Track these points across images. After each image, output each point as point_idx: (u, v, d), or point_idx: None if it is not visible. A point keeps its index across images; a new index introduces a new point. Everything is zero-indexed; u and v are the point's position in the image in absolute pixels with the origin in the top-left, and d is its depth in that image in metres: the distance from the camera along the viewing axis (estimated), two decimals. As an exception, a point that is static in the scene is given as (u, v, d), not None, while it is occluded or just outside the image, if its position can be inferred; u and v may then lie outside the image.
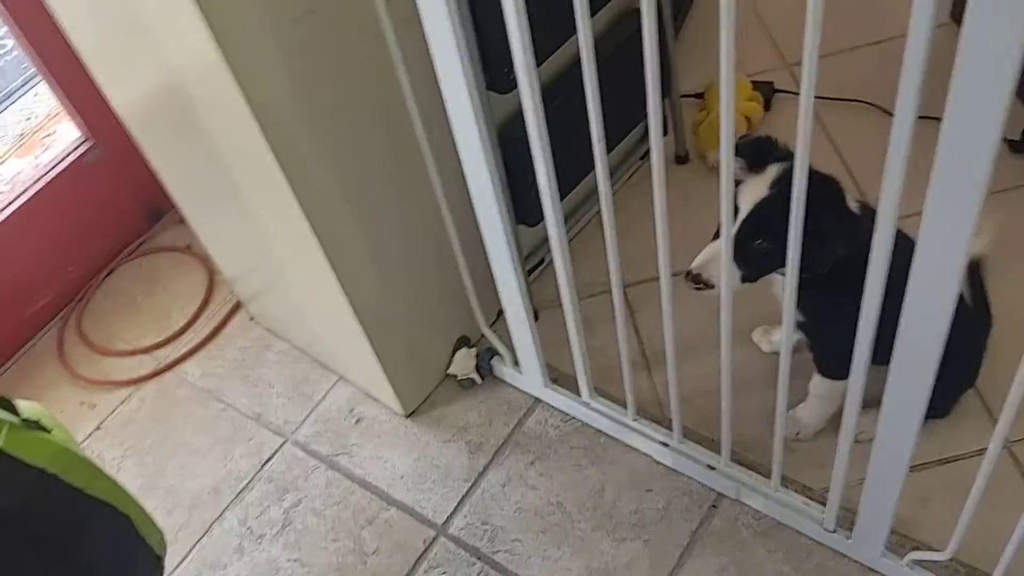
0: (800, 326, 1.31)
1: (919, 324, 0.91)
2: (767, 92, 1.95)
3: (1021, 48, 0.66)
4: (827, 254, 1.14)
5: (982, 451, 1.38)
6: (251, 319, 1.88)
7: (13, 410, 0.85)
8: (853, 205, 1.18)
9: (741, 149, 1.19)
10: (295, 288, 1.58)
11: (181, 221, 1.77)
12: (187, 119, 1.29)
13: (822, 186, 1.16)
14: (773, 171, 1.17)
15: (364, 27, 1.17)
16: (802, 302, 1.26)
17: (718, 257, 1.12)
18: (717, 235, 1.17)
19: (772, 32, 2.18)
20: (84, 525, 0.85)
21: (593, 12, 1.51)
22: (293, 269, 1.51)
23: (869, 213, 1.19)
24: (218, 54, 1.07)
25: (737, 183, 1.20)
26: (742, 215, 1.17)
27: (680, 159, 1.91)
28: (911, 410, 1.02)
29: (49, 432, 0.86)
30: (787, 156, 1.19)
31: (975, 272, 1.50)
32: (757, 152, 1.20)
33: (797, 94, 1.98)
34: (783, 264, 1.03)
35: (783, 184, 1.09)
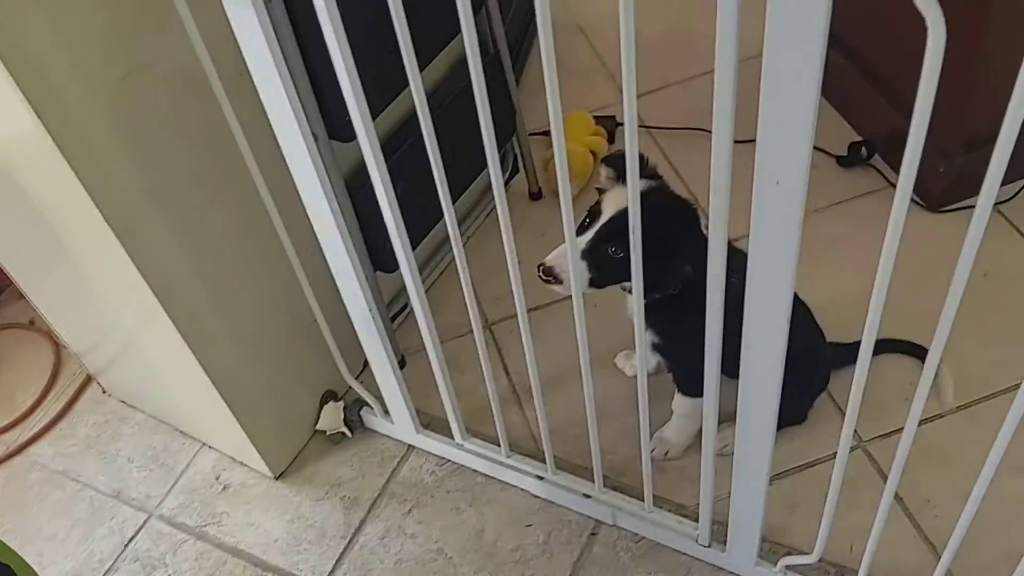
0: (655, 347, 1.35)
1: (759, 336, 0.95)
2: (610, 126, 2.02)
3: (817, 71, 0.70)
4: (676, 272, 1.19)
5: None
6: (104, 392, 1.79)
7: None
8: (706, 229, 1.23)
9: (613, 161, 1.26)
10: (147, 357, 1.51)
11: (21, 296, 1.67)
12: (16, 192, 1.23)
13: (678, 208, 1.22)
14: (641, 184, 1.20)
15: (192, 84, 1.14)
16: (654, 322, 1.30)
17: (576, 251, 1.14)
18: (578, 233, 1.21)
19: (611, 68, 2.26)
20: None
21: (432, 56, 1.55)
22: (143, 338, 1.44)
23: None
24: (37, 124, 1.02)
25: (601, 191, 1.25)
26: (603, 219, 1.21)
27: (533, 196, 1.94)
28: (764, 420, 1.05)
29: None
30: (654, 175, 1.25)
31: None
32: (623, 167, 1.24)
33: (641, 126, 2.07)
34: (626, 279, 1.06)
35: (648, 197, 1.13)
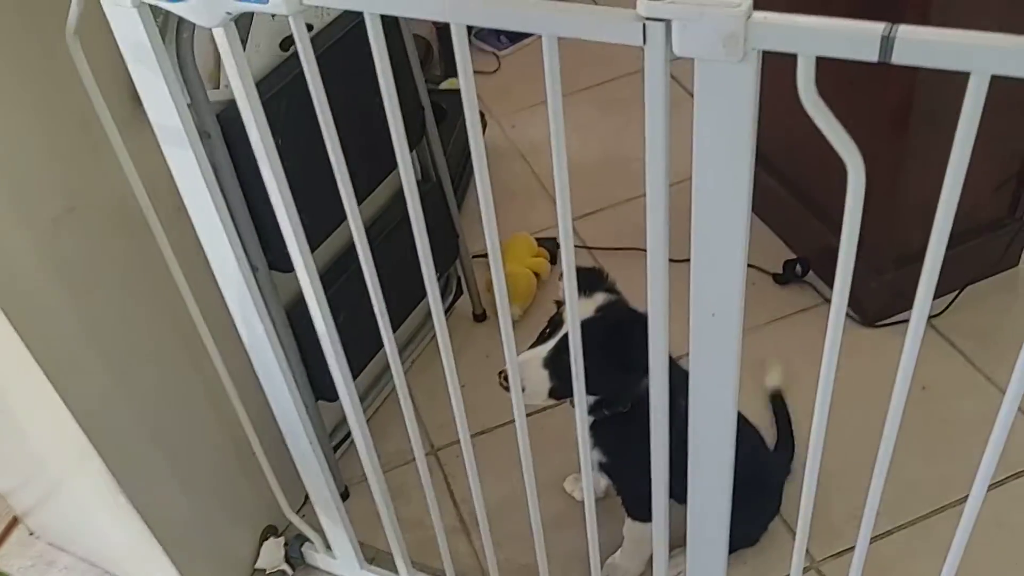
0: (603, 467, 1.34)
1: (705, 460, 0.94)
2: (552, 247, 2.05)
3: (746, 191, 0.72)
4: (633, 386, 1.19)
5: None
6: (31, 534, 1.70)
7: None
8: None
9: (579, 271, 1.25)
10: (76, 496, 1.44)
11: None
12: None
13: (635, 321, 1.22)
14: (600, 298, 1.25)
15: (129, 220, 1.13)
16: (602, 442, 1.29)
17: (529, 362, 1.19)
18: (537, 341, 1.23)
19: (552, 192, 2.30)
20: None
21: (374, 186, 1.57)
22: (72, 477, 1.38)
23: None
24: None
25: (560, 304, 1.26)
26: (564, 330, 1.21)
27: (477, 317, 1.94)
28: (715, 546, 1.04)
29: None
30: (612, 290, 1.29)
31: (778, 404, 1.60)
32: (588, 280, 1.27)
33: (581, 247, 2.11)
34: (593, 390, 1.06)
35: (607, 311, 1.17)
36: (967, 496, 1.51)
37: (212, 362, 1.25)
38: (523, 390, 1.18)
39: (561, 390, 1.23)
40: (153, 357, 1.28)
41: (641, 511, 1.38)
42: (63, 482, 1.44)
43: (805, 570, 1.45)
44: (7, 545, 1.70)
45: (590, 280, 1.28)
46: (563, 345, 1.21)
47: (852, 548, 1.45)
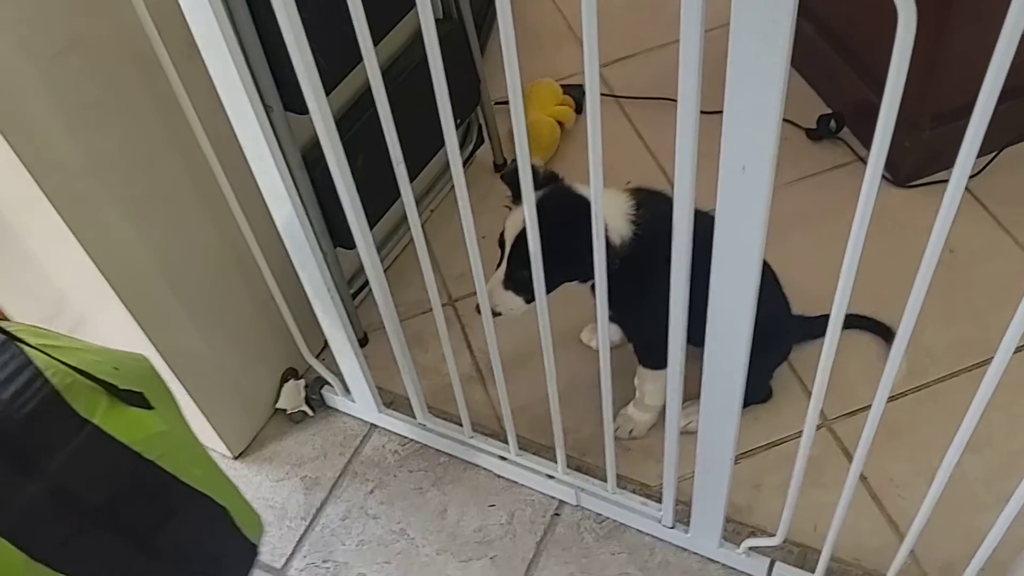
0: (613, 320, 1.32)
1: (726, 308, 0.92)
2: (577, 95, 1.97)
3: (786, 51, 0.67)
4: (582, 270, 1.20)
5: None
6: (58, 370, 1.74)
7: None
8: (619, 230, 1.21)
9: (507, 178, 1.24)
10: (99, 335, 1.46)
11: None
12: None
13: (577, 208, 1.18)
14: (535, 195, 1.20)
15: (138, 56, 1.09)
16: (612, 294, 1.28)
17: (494, 290, 1.23)
18: (499, 264, 1.24)
19: (580, 35, 2.20)
20: (176, 517, 0.78)
21: (392, 25, 1.50)
22: (93, 317, 1.40)
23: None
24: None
25: (509, 208, 1.25)
26: (507, 248, 1.22)
27: (498, 167, 1.90)
28: (729, 398, 1.03)
29: (152, 409, 0.78)
30: (547, 181, 1.24)
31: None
32: (516, 184, 1.21)
33: (609, 95, 2.04)
34: (562, 280, 1.10)
35: (544, 204, 1.11)
36: (984, 361, 1.51)
37: (229, 206, 1.23)
38: (499, 315, 1.23)
39: (534, 297, 1.20)
40: (168, 200, 1.26)
41: (653, 359, 1.38)
42: (85, 321, 1.46)
43: (817, 428, 1.46)
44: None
45: (516, 181, 1.24)
46: (511, 265, 1.22)
47: (864, 408, 1.46)
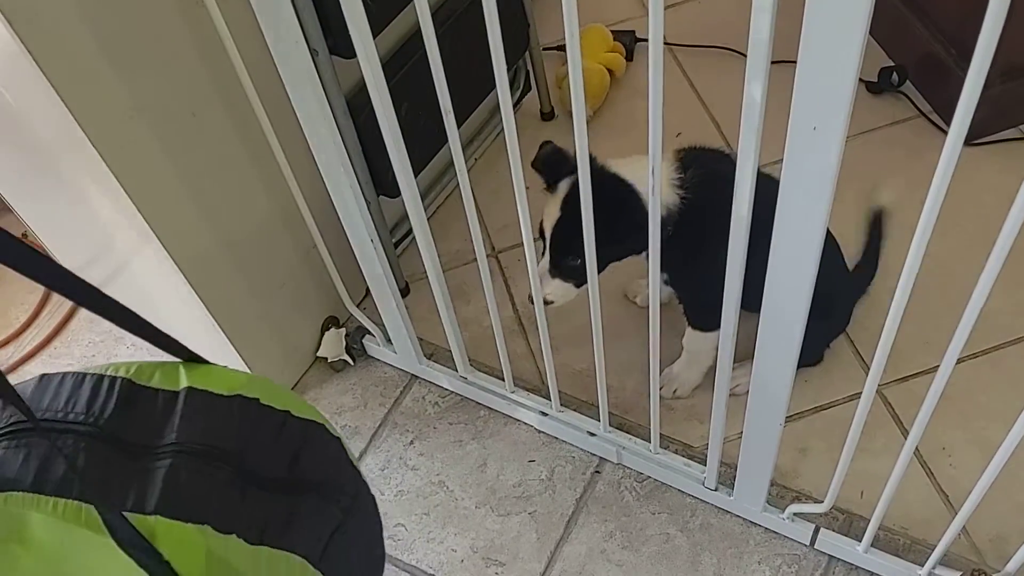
0: (665, 281, 1.29)
1: (786, 274, 0.88)
2: (628, 42, 1.91)
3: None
4: (628, 250, 1.21)
5: (854, 396, 1.40)
6: (101, 311, 1.75)
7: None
8: (667, 202, 1.18)
9: (538, 165, 1.23)
10: (140, 281, 1.46)
11: (8, 209, 1.61)
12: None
13: (615, 190, 1.16)
14: (564, 188, 1.19)
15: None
16: (665, 254, 1.24)
17: (544, 277, 1.21)
18: (542, 253, 1.23)
19: (632, -21, 2.14)
20: (301, 450, 0.74)
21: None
22: (135, 261, 1.39)
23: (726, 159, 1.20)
24: (12, 36, 0.94)
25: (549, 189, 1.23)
26: (548, 237, 1.20)
27: (545, 116, 1.85)
28: (783, 362, 1.00)
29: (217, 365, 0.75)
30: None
31: (877, 223, 1.52)
32: (550, 169, 1.22)
33: (664, 44, 1.97)
34: (610, 262, 1.10)
35: (573, 200, 1.10)
36: (1049, 328, 1.45)
37: (273, 153, 1.21)
38: (551, 303, 1.22)
39: (583, 281, 1.19)
40: (212, 147, 1.24)
41: (703, 320, 1.35)
42: (127, 265, 1.45)
43: (867, 392, 1.42)
44: (76, 320, 1.75)
45: (552, 168, 1.22)
46: (554, 255, 1.20)
47: (918, 374, 1.42)
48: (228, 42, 1.06)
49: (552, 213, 1.20)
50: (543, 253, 1.23)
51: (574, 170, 1.19)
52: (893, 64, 1.77)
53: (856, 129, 1.73)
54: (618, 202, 1.13)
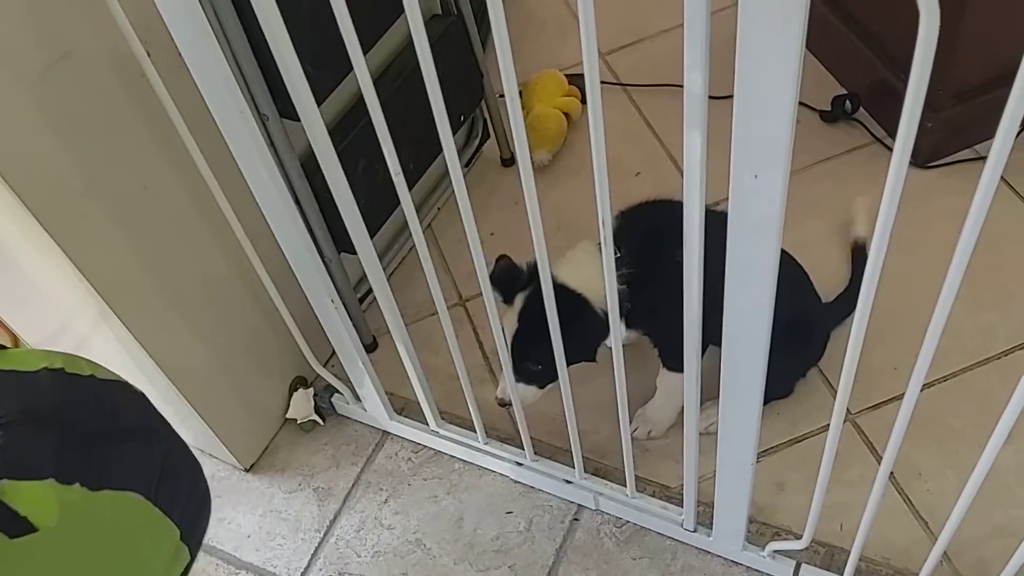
0: (639, 334, 1.30)
1: (742, 317, 0.88)
2: (584, 85, 1.92)
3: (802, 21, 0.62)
4: (585, 353, 1.27)
5: (827, 427, 1.40)
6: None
7: None
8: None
9: (494, 282, 1.27)
10: (100, 352, 1.44)
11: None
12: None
13: (567, 303, 1.17)
14: (519, 302, 1.25)
15: (124, 70, 1.06)
16: (634, 296, 1.25)
17: (508, 386, 1.25)
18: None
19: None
20: (116, 404, 0.81)
21: (391, 21, 1.45)
22: (95, 335, 1.37)
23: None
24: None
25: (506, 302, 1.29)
26: (509, 347, 1.25)
27: (505, 162, 1.86)
28: (748, 402, 0.99)
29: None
30: (532, 276, 1.25)
31: (859, 255, 1.54)
32: (504, 284, 1.28)
33: (615, 84, 1.99)
34: (572, 363, 1.14)
35: (528, 313, 1.24)
36: (1014, 347, 1.46)
37: (226, 218, 1.20)
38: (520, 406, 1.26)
39: (547, 381, 1.28)
40: (165, 216, 1.23)
41: (678, 361, 1.34)
42: (88, 340, 1.43)
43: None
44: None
45: (506, 283, 1.28)
46: (516, 357, 1.23)
47: (889, 400, 1.42)
48: (173, 112, 1.06)
49: (510, 325, 1.25)
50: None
51: (527, 285, 1.26)
52: (846, 92, 1.80)
53: (812, 158, 1.75)
54: (571, 313, 1.15)
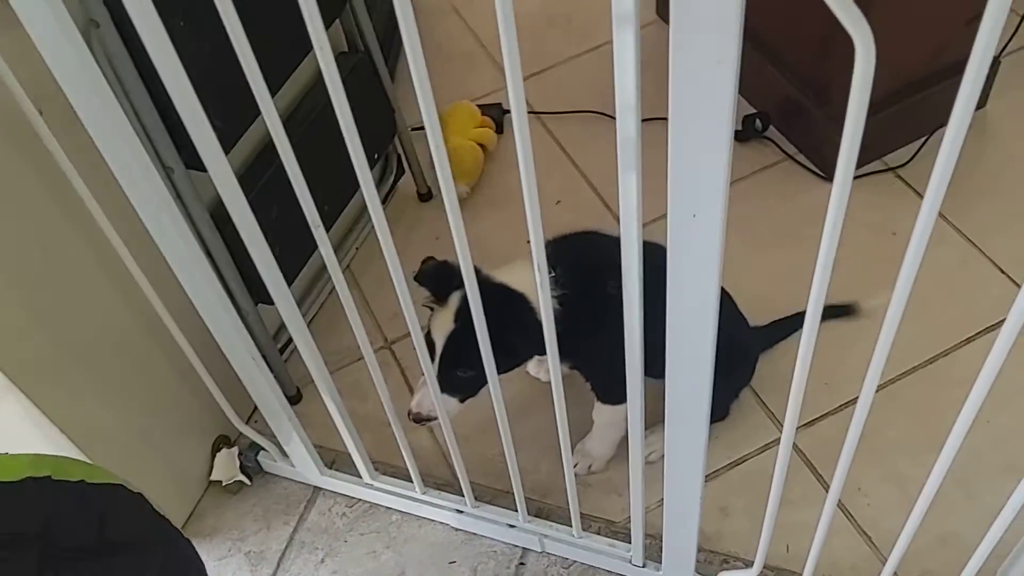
0: (569, 367, 1.28)
1: (685, 351, 0.86)
2: (496, 115, 1.90)
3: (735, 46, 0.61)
4: (520, 359, 1.20)
5: (765, 447, 1.40)
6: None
7: None
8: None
9: (422, 279, 1.21)
10: (8, 425, 1.34)
11: None
12: None
13: (507, 302, 1.16)
14: (455, 301, 1.17)
15: (13, 130, 0.98)
16: (564, 335, 1.22)
17: (427, 395, 1.15)
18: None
19: (492, 51, 2.14)
20: (105, 514, 0.76)
21: (298, 61, 1.40)
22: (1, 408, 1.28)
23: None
24: None
25: (430, 308, 1.21)
26: (439, 350, 1.18)
27: (423, 196, 1.82)
28: (695, 430, 0.97)
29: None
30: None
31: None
32: (437, 282, 1.20)
33: (528, 112, 1.97)
34: (502, 372, 1.04)
35: (466, 313, 1.09)
36: (937, 355, 1.48)
37: (133, 275, 1.13)
38: (435, 419, 1.17)
39: (468, 395, 1.21)
40: (67, 278, 1.15)
41: (610, 395, 1.33)
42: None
43: (776, 441, 1.42)
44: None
45: (439, 280, 1.20)
46: (444, 367, 1.17)
47: (823, 416, 1.43)
48: (69, 170, 0.99)
49: (444, 325, 1.17)
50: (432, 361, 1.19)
51: (461, 282, 1.18)
52: (756, 111, 1.82)
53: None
54: (510, 312, 1.11)
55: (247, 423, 1.41)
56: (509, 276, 1.18)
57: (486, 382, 1.17)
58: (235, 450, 1.47)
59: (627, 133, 0.66)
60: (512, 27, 0.65)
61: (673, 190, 0.68)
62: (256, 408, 1.43)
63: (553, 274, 1.19)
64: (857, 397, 1.41)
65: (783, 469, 0.99)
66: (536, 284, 1.16)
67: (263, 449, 1.44)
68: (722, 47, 0.58)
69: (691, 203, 0.68)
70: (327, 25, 1.56)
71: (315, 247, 1.53)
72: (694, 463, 1.02)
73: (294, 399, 1.54)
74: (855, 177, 1.78)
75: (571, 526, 1.27)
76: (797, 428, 1.40)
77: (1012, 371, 1.36)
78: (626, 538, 1.26)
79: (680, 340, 0.85)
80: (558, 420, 1.06)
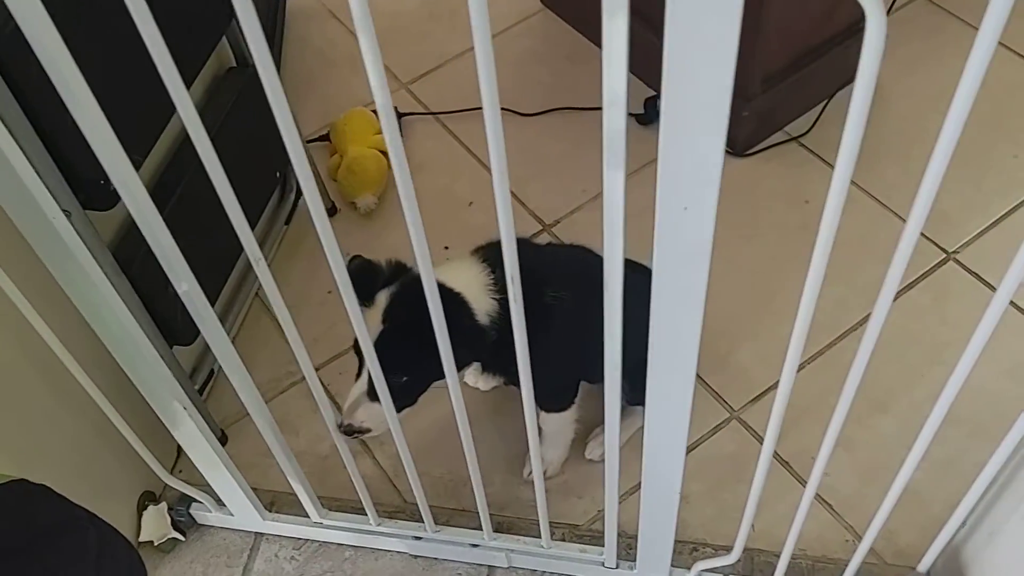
0: (504, 382, 1.25)
1: (669, 347, 0.83)
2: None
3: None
4: (459, 363, 1.07)
5: (715, 429, 1.40)
6: None
7: None
8: (486, 309, 1.12)
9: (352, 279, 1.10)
10: None
11: None
12: None
13: (446, 299, 1.08)
14: (382, 301, 1.10)
15: None
16: (497, 366, 1.19)
17: (361, 399, 1.08)
18: (359, 374, 1.10)
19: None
20: (25, 508, 0.77)
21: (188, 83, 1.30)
22: None
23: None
24: None
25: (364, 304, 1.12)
26: (367, 356, 1.06)
27: (329, 211, 1.74)
28: (676, 426, 0.94)
29: None
30: (395, 274, 1.13)
31: None
32: (362, 284, 1.10)
33: (424, 113, 1.91)
34: (436, 379, 0.98)
35: (395, 310, 1.07)
36: (863, 319, 1.51)
37: (33, 326, 1.01)
38: (369, 431, 1.09)
39: (407, 402, 1.12)
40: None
41: (553, 404, 1.29)
42: None
43: (726, 421, 1.41)
44: None
45: (363, 283, 1.11)
46: (380, 358, 1.05)
47: (766, 391, 1.43)
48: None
49: (373, 327, 1.08)
50: (358, 375, 1.11)
51: (389, 281, 1.11)
52: (656, 93, 1.81)
53: (638, 162, 1.72)
54: (450, 312, 1.05)
55: (172, 472, 1.31)
56: (445, 275, 1.11)
57: (423, 388, 1.11)
58: (163, 506, 1.36)
59: (614, 126, 0.62)
60: (372, 32, 0.59)
61: (663, 182, 0.65)
62: (179, 458, 1.33)
63: (493, 276, 1.14)
64: (797, 367, 1.42)
65: (762, 476, 0.99)
66: (477, 283, 1.12)
67: (195, 500, 1.34)
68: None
69: (682, 196, 0.66)
70: (216, 41, 1.46)
71: (225, 278, 1.45)
72: (673, 461, 1.00)
73: (221, 441, 1.44)
74: (763, 149, 1.80)
75: (537, 537, 1.22)
76: (744, 405, 1.43)
77: (935, 327, 1.39)
78: (593, 541, 1.23)
79: (666, 334, 0.82)
80: (527, 425, 1.01)
